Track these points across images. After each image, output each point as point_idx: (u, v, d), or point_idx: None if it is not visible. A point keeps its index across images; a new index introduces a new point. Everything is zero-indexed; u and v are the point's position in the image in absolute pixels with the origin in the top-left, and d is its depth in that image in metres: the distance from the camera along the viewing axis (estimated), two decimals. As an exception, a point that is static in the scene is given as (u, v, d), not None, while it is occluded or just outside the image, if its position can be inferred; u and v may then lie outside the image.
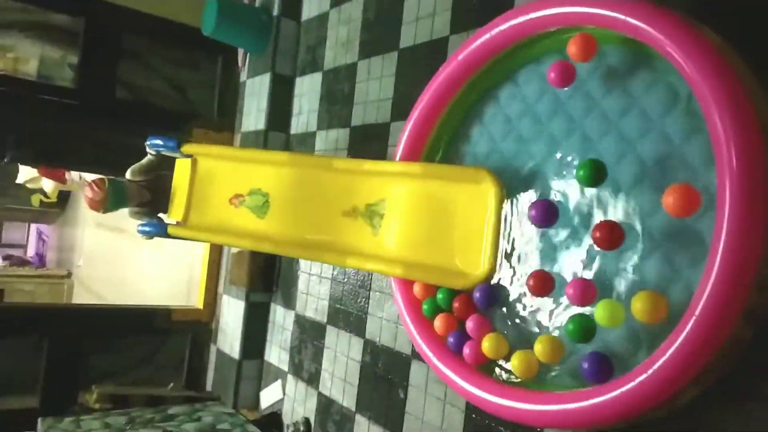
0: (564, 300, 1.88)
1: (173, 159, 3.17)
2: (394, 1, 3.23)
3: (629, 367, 1.60)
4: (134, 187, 3.12)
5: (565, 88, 1.97)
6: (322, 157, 2.75)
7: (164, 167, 3.17)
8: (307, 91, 3.96)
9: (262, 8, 4.17)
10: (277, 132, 4.08)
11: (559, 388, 1.80)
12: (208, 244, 4.26)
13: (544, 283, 1.83)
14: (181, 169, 2.97)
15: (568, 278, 1.87)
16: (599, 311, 1.63)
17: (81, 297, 9.56)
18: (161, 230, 2.88)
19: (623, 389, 1.57)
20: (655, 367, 1.51)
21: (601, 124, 1.89)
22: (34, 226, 14.90)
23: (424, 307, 2.29)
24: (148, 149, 3.08)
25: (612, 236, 1.66)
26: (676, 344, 1.47)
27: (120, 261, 7.64)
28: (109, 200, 2.98)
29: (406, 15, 3.14)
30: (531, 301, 2.01)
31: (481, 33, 2.13)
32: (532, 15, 1.98)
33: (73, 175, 7.34)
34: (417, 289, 2.34)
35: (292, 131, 4.08)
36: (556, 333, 1.89)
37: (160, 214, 3.11)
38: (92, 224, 9.39)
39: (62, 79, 3.80)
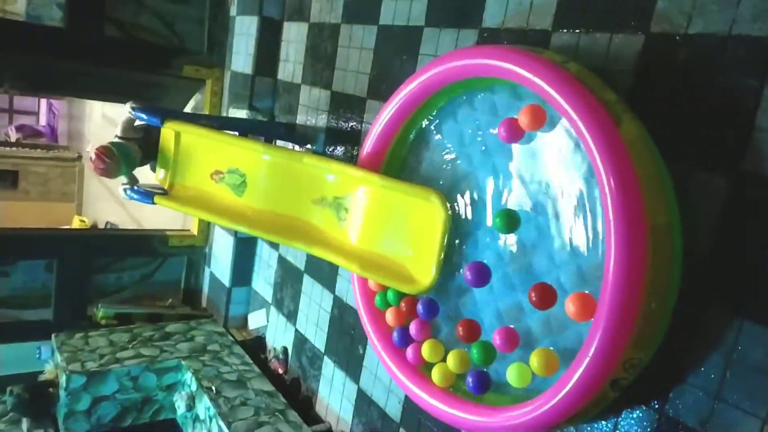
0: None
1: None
2: (378, -30, 3.16)
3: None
4: (133, 145, 3.15)
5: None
6: (294, 151, 2.91)
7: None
8: (294, 39, 3.96)
9: (249, -57, 4.02)
10: (265, 77, 4.14)
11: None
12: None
13: (471, 332, 2.14)
14: (167, 140, 3.13)
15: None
16: (511, 372, 1.96)
17: (91, 182, 9.98)
18: (148, 199, 3.11)
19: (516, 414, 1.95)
20: (539, 409, 1.86)
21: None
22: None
23: (377, 299, 2.62)
24: (129, 114, 3.12)
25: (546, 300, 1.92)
26: (557, 398, 1.81)
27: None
28: (122, 164, 3.03)
29: (387, -10, 3.10)
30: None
31: (417, 75, 2.30)
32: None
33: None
34: (371, 282, 2.65)
35: (279, 76, 4.14)
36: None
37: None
38: (98, 113, 9.53)
39: (50, 18, 3.81)
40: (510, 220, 2.04)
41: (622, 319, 1.65)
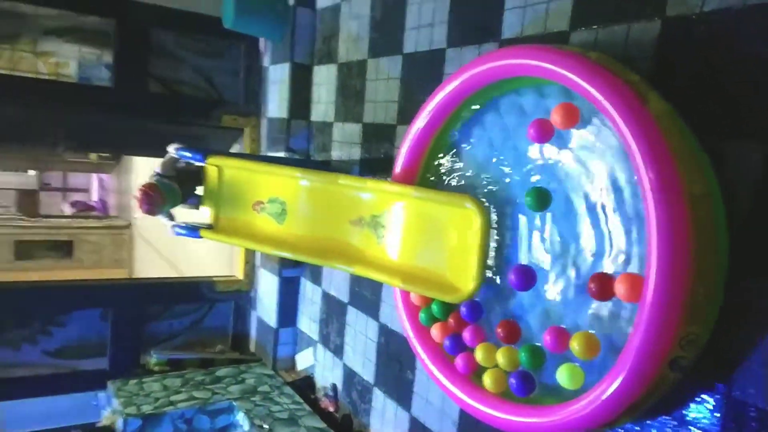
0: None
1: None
2: (398, 3, 3.33)
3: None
4: (173, 182, 3.26)
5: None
6: (329, 173, 3.00)
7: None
8: (325, 81, 4.15)
9: (278, -2, 4.29)
10: (299, 120, 4.32)
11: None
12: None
13: (510, 333, 2.11)
14: (210, 177, 3.29)
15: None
16: (562, 373, 1.91)
17: (141, 247, 10.39)
18: (195, 233, 3.24)
19: (570, 410, 1.88)
20: (597, 400, 1.80)
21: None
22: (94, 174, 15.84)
23: (421, 315, 2.61)
24: (172, 154, 3.29)
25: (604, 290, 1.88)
26: (613, 386, 1.75)
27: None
28: (168, 200, 3.15)
29: (409, 21, 3.25)
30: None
31: (442, 87, 2.36)
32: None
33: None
34: (414, 296, 2.65)
35: (313, 118, 4.31)
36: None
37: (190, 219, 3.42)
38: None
39: (99, 78, 4.12)
40: (540, 198, 2.05)
41: (670, 291, 1.61)
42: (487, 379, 2.19)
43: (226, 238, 3.24)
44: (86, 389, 4.34)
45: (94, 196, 16.23)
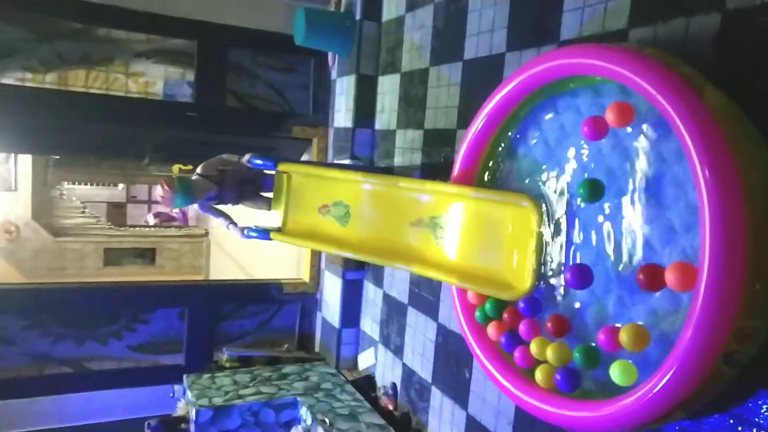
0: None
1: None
2: (459, 12, 3.43)
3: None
4: (202, 182, 3.44)
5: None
6: (390, 176, 3.14)
7: (227, 164, 3.59)
8: (388, 90, 4.30)
9: (345, 13, 4.51)
10: (363, 129, 4.49)
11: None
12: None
13: (560, 327, 2.14)
14: (279, 183, 3.50)
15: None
16: (614, 369, 1.91)
17: (216, 253, 10.94)
18: (265, 236, 3.45)
19: (623, 404, 1.88)
20: (648, 395, 1.79)
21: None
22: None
23: (477, 314, 2.65)
24: (245, 163, 3.54)
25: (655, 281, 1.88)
26: (665, 380, 1.74)
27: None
28: (177, 196, 3.33)
29: (469, 28, 3.34)
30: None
31: (500, 89, 2.41)
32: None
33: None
34: (471, 294, 2.71)
35: (376, 127, 4.46)
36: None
37: (259, 223, 3.64)
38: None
39: (182, 95, 4.48)
40: (594, 189, 2.07)
41: (724, 283, 1.59)
42: (539, 374, 2.21)
43: (293, 239, 3.42)
44: (164, 382, 4.65)
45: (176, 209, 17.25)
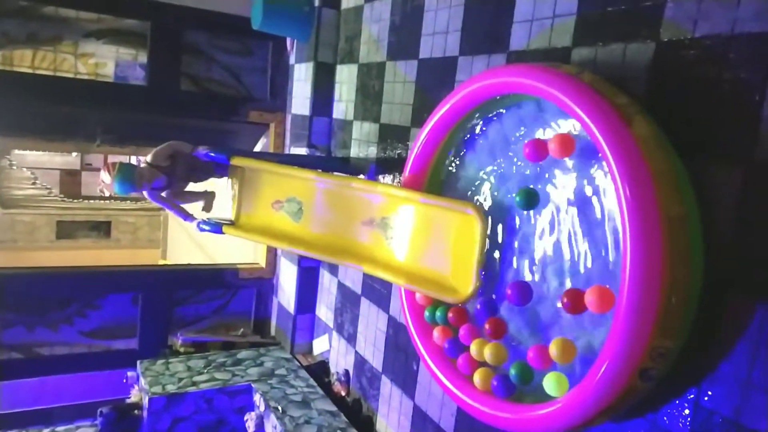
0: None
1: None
2: (416, 10, 3.44)
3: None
4: (148, 170, 3.34)
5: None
6: (343, 176, 3.17)
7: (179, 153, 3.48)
8: (346, 80, 4.29)
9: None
10: (321, 117, 4.48)
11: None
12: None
13: (497, 330, 2.26)
14: (233, 177, 3.49)
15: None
16: (548, 381, 2.04)
17: (174, 228, 10.79)
18: (218, 229, 3.45)
19: (550, 410, 2.02)
20: (571, 404, 1.93)
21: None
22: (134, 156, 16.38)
23: (426, 313, 2.74)
24: (198, 152, 3.48)
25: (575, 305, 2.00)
26: (588, 388, 1.87)
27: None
28: (116, 183, 3.23)
29: (425, 27, 3.36)
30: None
31: (448, 99, 2.48)
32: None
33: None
34: (419, 297, 2.80)
35: (334, 116, 4.46)
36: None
37: (210, 215, 3.61)
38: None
39: (135, 77, 4.36)
40: (529, 198, 2.18)
41: (643, 307, 1.72)
42: (477, 378, 2.34)
43: (245, 234, 3.43)
44: (118, 367, 4.65)
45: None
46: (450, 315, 2.63)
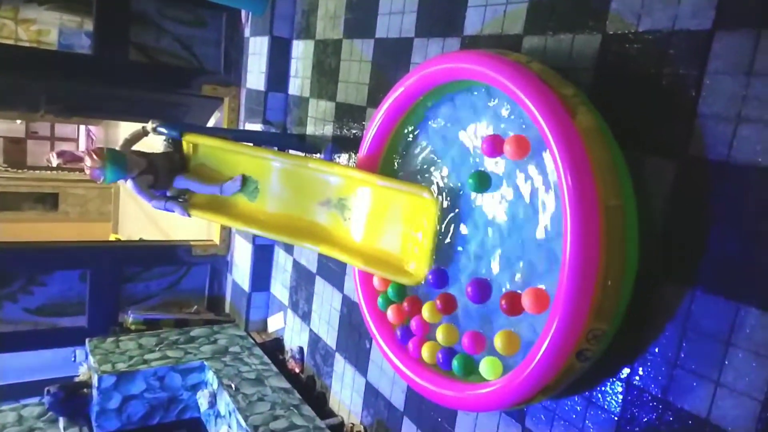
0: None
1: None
2: (373, -13, 3.40)
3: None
4: (133, 157, 3.20)
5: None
6: (300, 157, 3.14)
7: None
8: (302, 56, 4.22)
9: (259, -30, 4.31)
10: (276, 93, 4.41)
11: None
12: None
13: (448, 305, 2.32)
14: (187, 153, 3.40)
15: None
16: (483, 366, 2.12)
17: (126, 201, 10.49)
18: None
19: (494, 389, 2.10)
20: (513, 382, 2.01)
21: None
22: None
23: (379, 300, 2.76)
24: (149, 129, 3.38)
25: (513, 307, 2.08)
26: (527, 370, 1.96)
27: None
28: (108, 169, 3.03)
29: (382, 6, 3.33)
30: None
31: (402, 82, 2.52)
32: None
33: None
34: (377, 281, 2.82)
35: (290, 92, 4.40)
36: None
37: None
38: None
39: (80, 46, 4.17)
40: (481, 180, 2.23)
41: (581, 291, 1.79)
42: (425, 352, 2.41)
43: (199, 212, 3.37)
44: (66, 345, 4.55)
45: (82, 147, 16.18)
46: (405, 304, 2.65)
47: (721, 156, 1.73)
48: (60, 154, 13.88)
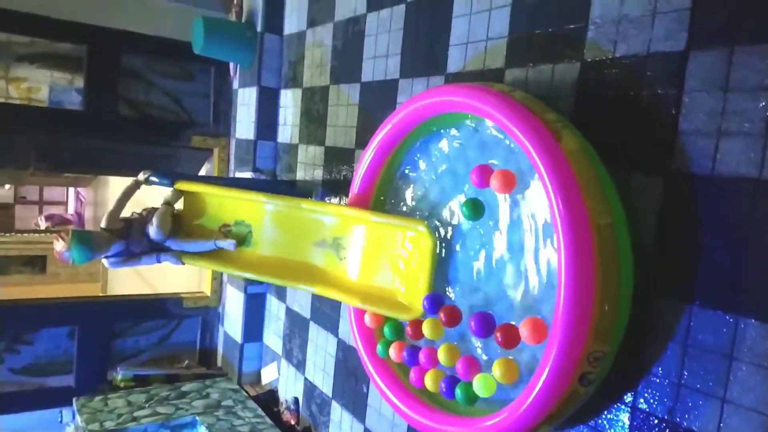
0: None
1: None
2: (357, 35, 3.51)
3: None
4: (104, 236, 3.05)
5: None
6: (293, 198, 3.15)
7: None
8: (291, 104, 4.31)
9: (246, 24, 4.46)
10: (266, 141, 4.46)
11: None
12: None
13: (452, 318, 2.29)
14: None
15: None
16: (477, 383, 2.09)
17: (115, 260, 10.38)
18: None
19: (496, 421, 2.04)
20: (516, 411, 1.96)
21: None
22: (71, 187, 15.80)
23: (379, 348, 2.68)
24: (141, 180, 3.38)
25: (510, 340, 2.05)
26: (530, 398, 1.91)
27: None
28: (74, 251, 2.89)
29: (366, 51, 3.43)
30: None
31: (389, 119, 2.58)
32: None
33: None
34: (368, 319, 2.77)
35: (279, 140, 4.46)
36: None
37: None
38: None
39: (71, 102, 4.24)
40: (475, 208, 2.22)
41: (579, 313, 1.78)
42: (428, 380, 2.35)
43: (192, 261, 3.34)
44: (52, 406, 4.39)
45: (70, 209, 16.15)
46: (408, 329, 2.57)
47: (705, 170, 1.75)
48: (48, 218, 13.90)
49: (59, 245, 2.93)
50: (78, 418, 3.96)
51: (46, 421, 4.38)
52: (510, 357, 2.06)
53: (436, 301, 2.46)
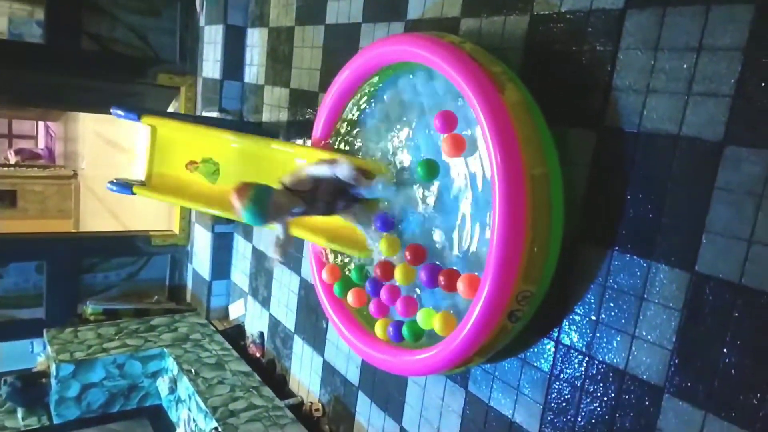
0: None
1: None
2: (322, -25, 3.47)
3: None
4: (284, 198, 2.46)
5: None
6: (261, 138, 3.18)
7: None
8: (257, 44, 4.27)
9: (212, -43, 4.33)
10: (232, 81, 4.44)
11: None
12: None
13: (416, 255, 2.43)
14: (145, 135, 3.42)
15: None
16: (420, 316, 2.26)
17: (87, 197, 10.31)
18: (127, 190, 3.38)
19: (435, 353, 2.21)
20: (450, 345, 2.13)
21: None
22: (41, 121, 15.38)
23: (336, 289, 2.81)
24: (114, 114, 3.38)
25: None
26: (463, 333, 2.07)
27: (116, 171, 8.23)
28: (248, 212, 2.31)
29: (331, -8, 3.40)
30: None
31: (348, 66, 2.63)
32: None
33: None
34: (326, 275, 2.88)
35: (246, 80, 4.43)
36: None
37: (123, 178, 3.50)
38: (91, 132, 9.88)
39: (31, 35, 4.13)
40: (430, 169, 2.32)
41: (510, 255, 1.92)
42: (378, 329, 2.52)
43: (158, 195, 3.39)
44: (23, 337, 4.51)
45: (41, 144, 15.79)
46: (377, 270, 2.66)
47: (633, 125, 1.86)
48: (18, 152, 13.59)
49: (236, 201, 2.35)
50: (48, 348, 4.09)
51: (18, 351, 4.50)
52: (450, 311, 2.22)
53: (386, 222, 2.58)
